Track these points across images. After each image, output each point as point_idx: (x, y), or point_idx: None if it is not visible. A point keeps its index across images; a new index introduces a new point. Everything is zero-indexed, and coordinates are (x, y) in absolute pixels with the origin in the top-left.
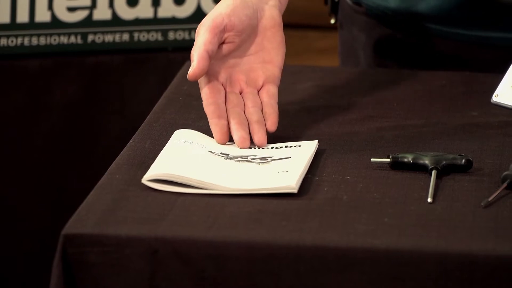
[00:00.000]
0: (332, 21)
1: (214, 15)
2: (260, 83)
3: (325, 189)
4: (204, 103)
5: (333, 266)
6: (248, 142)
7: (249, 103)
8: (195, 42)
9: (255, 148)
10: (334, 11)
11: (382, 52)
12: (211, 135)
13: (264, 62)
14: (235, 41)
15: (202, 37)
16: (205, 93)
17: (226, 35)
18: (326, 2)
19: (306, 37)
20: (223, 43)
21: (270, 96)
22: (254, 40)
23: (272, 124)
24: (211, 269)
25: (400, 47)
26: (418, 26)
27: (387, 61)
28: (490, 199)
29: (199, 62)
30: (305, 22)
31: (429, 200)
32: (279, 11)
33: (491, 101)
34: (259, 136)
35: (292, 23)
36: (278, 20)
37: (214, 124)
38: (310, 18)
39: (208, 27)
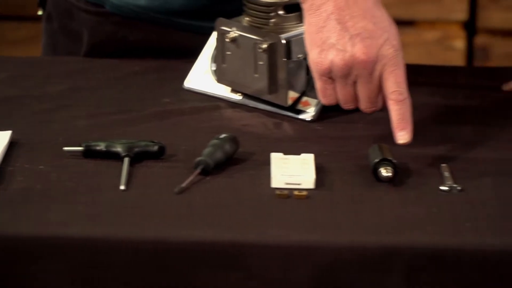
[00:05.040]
0: (40, 12)
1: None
2: None
3: (18, 179)
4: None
5: (27, 256)
6: None
7: None
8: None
9: None
10: (42, 3)
11: (106, 50)
12: None
13: None
14: None
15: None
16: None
17: None
18: None
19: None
20: None
21: None
22: None
23: None
24: None
25: (128, 44)
26: (170, 22)
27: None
28: (183, 185)
29: None
30: None
31: (122, 187)
32: None
33: (183, 86)
34: None
35: None
36: None
37: None
38: (4, 8)
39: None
